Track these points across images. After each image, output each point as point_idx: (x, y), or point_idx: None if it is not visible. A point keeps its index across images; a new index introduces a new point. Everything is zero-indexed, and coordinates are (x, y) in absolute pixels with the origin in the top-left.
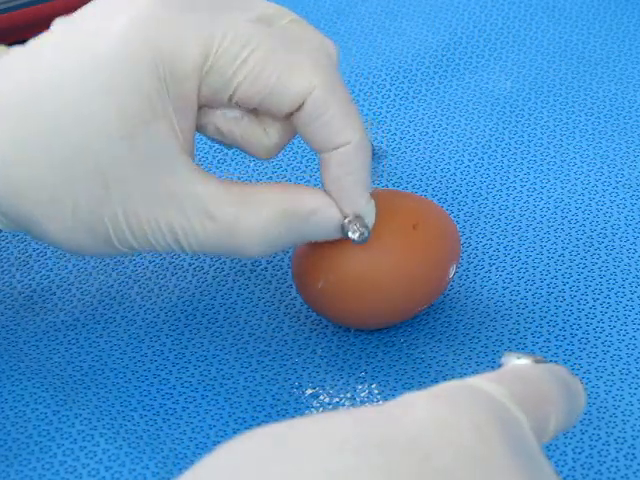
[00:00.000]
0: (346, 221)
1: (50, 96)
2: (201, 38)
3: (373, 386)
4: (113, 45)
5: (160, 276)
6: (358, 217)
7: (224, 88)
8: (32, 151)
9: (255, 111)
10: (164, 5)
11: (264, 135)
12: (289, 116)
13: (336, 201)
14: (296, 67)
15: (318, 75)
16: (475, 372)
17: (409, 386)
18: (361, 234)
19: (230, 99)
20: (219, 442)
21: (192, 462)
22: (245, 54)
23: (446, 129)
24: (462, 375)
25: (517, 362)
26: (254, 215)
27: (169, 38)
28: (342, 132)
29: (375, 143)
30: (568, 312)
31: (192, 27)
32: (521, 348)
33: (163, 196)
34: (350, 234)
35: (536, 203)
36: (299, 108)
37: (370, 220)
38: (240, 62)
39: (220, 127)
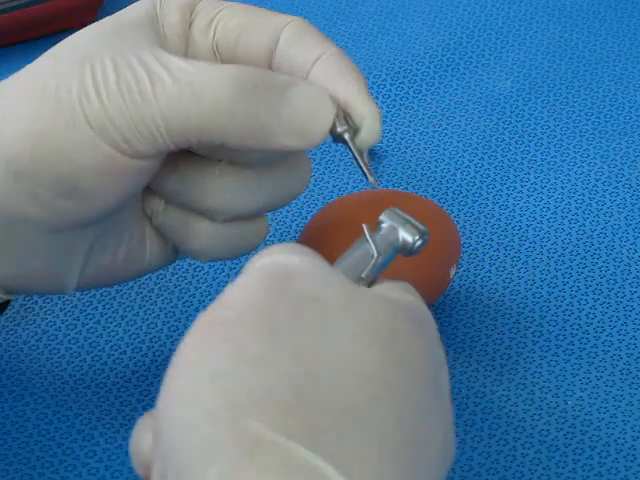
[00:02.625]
0: (337, 107)
1: None
2: None
3: None
4: None
5: (160, 276)
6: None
7: (207, 27)
8: None
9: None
10: None
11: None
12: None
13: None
14: (275, 12)
15: (295, 17)
16: (475, 371)
17: None
18: (350, 130)
19: (213, 39)
20: None
21: None
22: (229, 3)
23: (446, 129)
24: (462, 374)
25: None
26: (228, 66)
27: None
28: (319, 46)
29: (375, 143)
30: (568, 312)
31: None
32: (521, 347)
33: (135, 64)
34: (339, 128)
35: (536, 203)
36: (276, 44)
37: (374, 126)
38: (226, 3)
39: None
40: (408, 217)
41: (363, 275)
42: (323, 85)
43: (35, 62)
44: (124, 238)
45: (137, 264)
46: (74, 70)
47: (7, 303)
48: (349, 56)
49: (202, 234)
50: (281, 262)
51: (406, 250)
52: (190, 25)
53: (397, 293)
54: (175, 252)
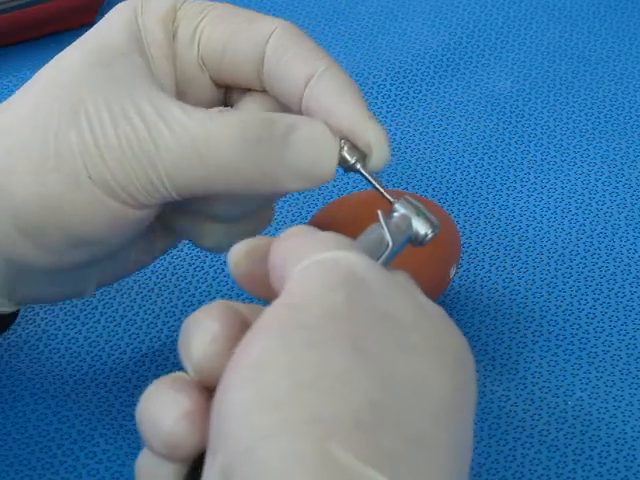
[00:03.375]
0: (342, 142)
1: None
2: None
3: None
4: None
5: (160, 276)
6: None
7: (191, 39)
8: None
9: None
10: None
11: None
12: (256, 81)
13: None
14: (257, 15)
15: (279, 21)
16: (475, 371)
17: None
18: (360, 159)
19: (198, 52)
20: None
21: None
22: (212, 7)
23: (446, 129)
24: None
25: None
26: (230, 115)
27: None
28: (310, 57)
29: None
30: (568, 312)
31: None
32: (521, 347)
33: (132, 114)
34: (347, 156)
35: (536, 203)
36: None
37: (382, 147)
38: (208, 9)
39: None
40: (422, 208)
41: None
42: (325, 109)
43: (29, 89)
44: (134, 247)
45: (146, 261)
46: (69, 120)
47: (17, 313)
48: (349, 56)
49: (212, 234)
50: (346, 262)
51: (417, 241)
52: (174, 36)
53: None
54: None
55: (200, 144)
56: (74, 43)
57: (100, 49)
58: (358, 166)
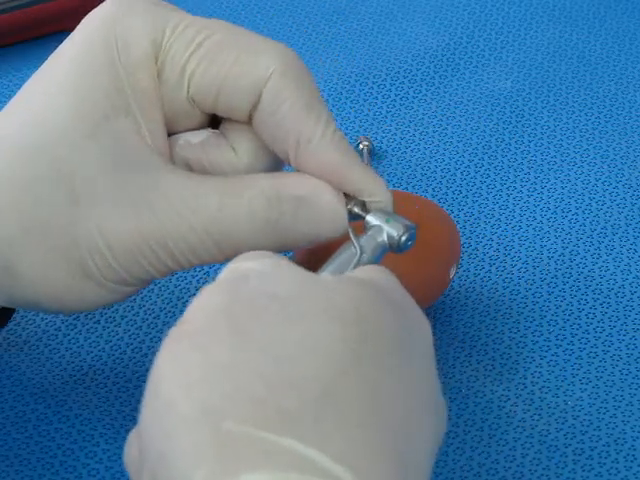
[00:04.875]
0: (349, 207)
1: (16, 110)
2: (152, 25)
3: None
4: (69, 46)
5: None
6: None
7: (179, 80)
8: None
9: (217, 123)
10: (125, 4)
11: (233, 156)
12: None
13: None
14: (252, 51)
15: (278, 59)
16: (475, 371)
17: None
18: (363, 213)
19: (187, 93)
20: None
21: None
22: (200, 38)
23: (446, 129)
24: (462, 374)
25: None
26: (236, 200)
27: (122, 31)
28: (305, 123)
29: (375, 143)
30: (568, 312)
31: (145, 18)
32: (521, 347)
33: (137, 201)
34: (359, 212)
35: (536, 203)
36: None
37: (385, 201)
38: (194, 46)
39: (186, 157)
40: (393, 214)
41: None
42: (320, 169)
43: (8, 141)
44: None
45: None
46: (68, 211)
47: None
48: (349, 56)
49: None
50: (236, 268)
51: (394, 246)
52: (159, 74)
53: (364, 274)
54: None
55: (213, 230)
56: (45, 74)
57: (84, 104)
58: (355, 209)
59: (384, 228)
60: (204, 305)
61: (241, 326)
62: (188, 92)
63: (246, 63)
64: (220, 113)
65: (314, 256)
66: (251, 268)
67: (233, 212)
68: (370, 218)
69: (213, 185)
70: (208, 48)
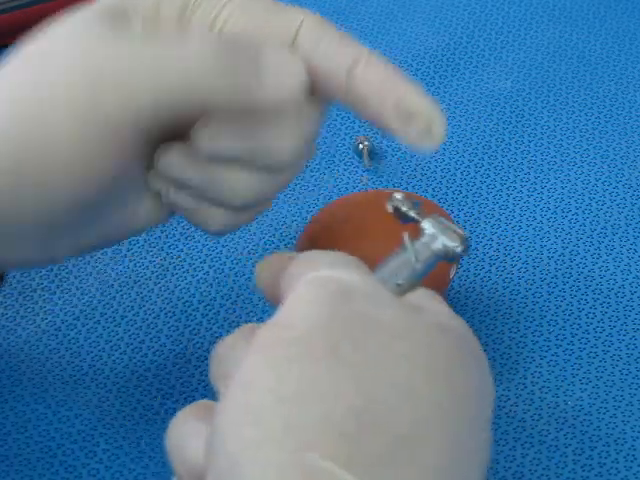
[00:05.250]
0: (404, 209)
1: None
2: None
3: None
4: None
5: (160, 276)
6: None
7: (211, 27)
8: None
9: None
10: None
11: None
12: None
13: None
14: (279, 6)
15: (305, 12)
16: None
17: None
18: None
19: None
20: None
21: None
22: None
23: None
24: None
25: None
26: (200, 37)
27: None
28: (348, 49)
29: (375, 143)
30: (568, 312)
31: None
32: (521, 347)
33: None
34: (402, 207)
35: (536, 203)
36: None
37: (442, 122)
38: (224, 1)
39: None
40: (450, 224)
41: (400, 282)
42: (377, 91)
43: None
44: (118, 209)
45: (130, 229)
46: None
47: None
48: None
49: (216, 221)
50: (337, 278)
51: (448, 256)
52: (189, 22)
53: (449, 319)
54: (172, 213)
55: (181, 64)
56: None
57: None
58: (411, 213)
59: (440, 237)
60: (308, 314)
61: (344, 353)
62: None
63: (277, 13)
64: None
65: (315, 245)
66: (353, 283)
67: (196, 46)
68: (426, 225)
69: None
70: (239, 1)
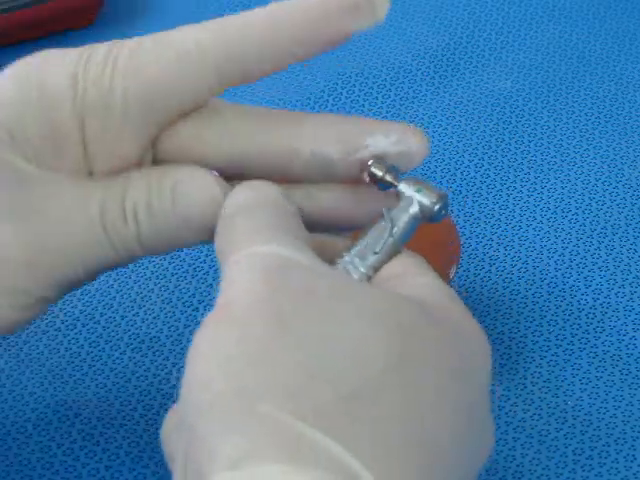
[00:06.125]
0: (380, 174)
1: None
2: (69, 61)
3: None
4: None
5: (160, 276)
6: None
7: (109, 97)
8: None
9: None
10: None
11: None
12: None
13: None
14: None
15: (205, 31)
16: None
17: None
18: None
19: (126, 110)
20: None
21: None
22: (117, 47)
23: (446, 129)
24: None
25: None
26: (116, 188)
27: (39, 72)
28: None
29: None
30: (568, 312)
31: (63, 59)
32: (521, 347)
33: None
34: (376, 171)
35: (536, 203)
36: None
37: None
38: (113, 57)
39: None
40: (425, 183)
41: (377, 249)
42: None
43: None
44: None
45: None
46: None
47: None
48: (349, 56)
49: None
50: (273, 253)
51: (426, 216)
52: (81, 100)
53: (413, 292)
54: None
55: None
56: None
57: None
58: (387, 177)
59: (415, 198)
60: (247, 290)
61: (282, 316)
62: (125, 107)
63: (175, 61)
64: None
65: None
66: (288, 258)
67: (116, 209)
68: (402, 187)
69: (96, 185)
70: (128, 51)
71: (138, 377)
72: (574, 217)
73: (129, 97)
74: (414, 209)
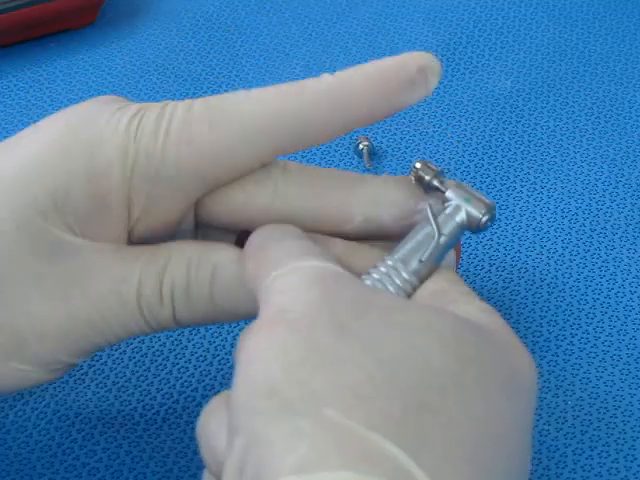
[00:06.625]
0: (427, 178)
1: None
2: (119, 131)
3: None
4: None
5: None
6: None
7: (160, 166)
8: None
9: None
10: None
11: None
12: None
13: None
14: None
15: (260, 103)
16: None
17: None
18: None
19: (177, 178)
20: None
21: (192, 461)
22: (168, 113)
23: (446, 129)
24: None
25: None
26: (154, 268)
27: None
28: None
29: (375, 143)
30: (568, 312)
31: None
32: None
33: (62, 286)
34: (424, 175)
35: (536, 203)
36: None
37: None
38: (165, 123)
39: None
40: (473, 191)
41: (423, 258)
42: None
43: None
44: None
45: None
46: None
47: None
48: (349, 56)
49: None
50: (319, 266)
51: (473, 227)
52: (133, 170)
53: (468, 313)
54: None
55: (140, 305)
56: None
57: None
58: (435, 182)
59: (463, 207)
60: (301, 298)
61: (343, 321)
62: (178, 175)
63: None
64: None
65: None
66: (332, 270)
67: (151, 285)
68: (449, 194)
69: (135, 260)
70: (181, 121)
71: (138, 377)
72: (574, 217)
73: (181, 166)
74: (461, 218)
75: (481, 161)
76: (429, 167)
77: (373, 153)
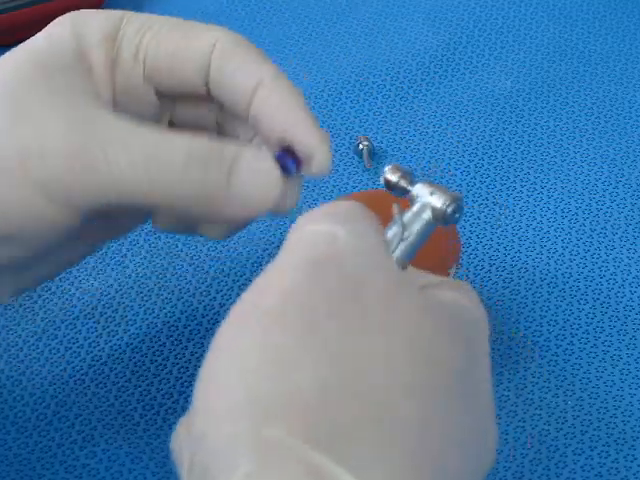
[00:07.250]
0: (395, 180)
1: None
2: (107, 20)
3: None
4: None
5: (160, 276)
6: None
7: (134, 59)
8: None
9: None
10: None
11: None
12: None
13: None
14: (198, 29)
15: (221, 32)
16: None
17: None
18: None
19: (143, 72)
20: None
21: None
22: (150, 22)
23: (446, 129)
24: None
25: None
26: (176, 140)
27: (80, 27)
28: (254, 69)
29: (375, 143)
30: (568, 312)
31: (100, 17)
32: (521, 347)
33: (81, 125)
34: (390, 177)
35: (536, 203)
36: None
37: (325, 157)
38: (146, 28)
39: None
40: (439, 186)
41: (392, 256)
42: (270, 116)
43: None
44: (59, 251)
45: (66, 268)
46: (11, 122)
47: None
48: (349, 56)
49: (212, 235)
50: (331, 235)
51: (439, 219)
52: (116, 59)
53: (448, 293)
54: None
55: (149, 165)
56: (7, 54)
57: (42, 61)
58: (402, 182)
59: (428, 202)
60: (284, 280)
61: (315, 321)
62: (144, 68)
63: (193, 37)
64: (174, 88)
65: None
66: (343, 242)
67: (173, 146)
68: (415, 192)
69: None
70: (159, 27)
71: (138, 377)
72: (574, 217)
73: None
74: (427, 214)
75: (481, 161)
76: (398, 169)
77: (373, 153)
